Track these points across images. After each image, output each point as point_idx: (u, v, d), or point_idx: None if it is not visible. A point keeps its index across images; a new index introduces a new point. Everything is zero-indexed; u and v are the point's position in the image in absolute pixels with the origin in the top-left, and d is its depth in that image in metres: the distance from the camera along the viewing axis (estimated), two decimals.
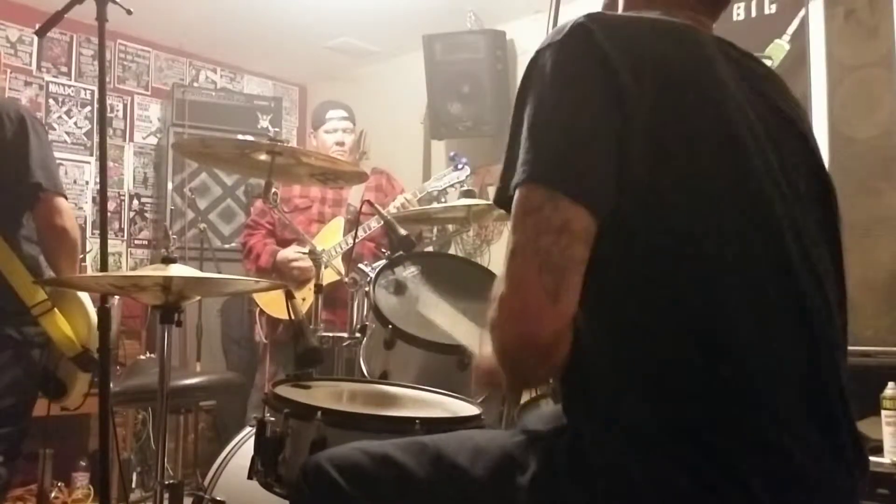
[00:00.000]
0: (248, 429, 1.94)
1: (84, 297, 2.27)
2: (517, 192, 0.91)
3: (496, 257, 3.95)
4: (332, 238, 3.18)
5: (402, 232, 2.09)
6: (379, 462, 1.04)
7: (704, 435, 0.86)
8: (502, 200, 0.97)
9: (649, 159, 0.89)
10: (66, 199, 2.29)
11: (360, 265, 2.16)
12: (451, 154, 3.30)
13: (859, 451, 0.98)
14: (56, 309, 2.18)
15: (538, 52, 0.96)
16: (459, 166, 3.15)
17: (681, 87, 0.93)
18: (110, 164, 4.04)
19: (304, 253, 3.02)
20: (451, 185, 3.16)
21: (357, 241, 2.78)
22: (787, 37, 3.06)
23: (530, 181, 0.90)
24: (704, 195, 0.91)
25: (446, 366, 1.78)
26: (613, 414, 0.91)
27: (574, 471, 0.93)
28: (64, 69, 4.31)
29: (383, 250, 2.29)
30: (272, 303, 3.25)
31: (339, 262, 2.94)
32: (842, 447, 0.94)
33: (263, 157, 2.00)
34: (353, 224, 3.17)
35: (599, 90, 0.90)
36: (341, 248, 3.09)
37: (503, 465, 1.00)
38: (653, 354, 0.89)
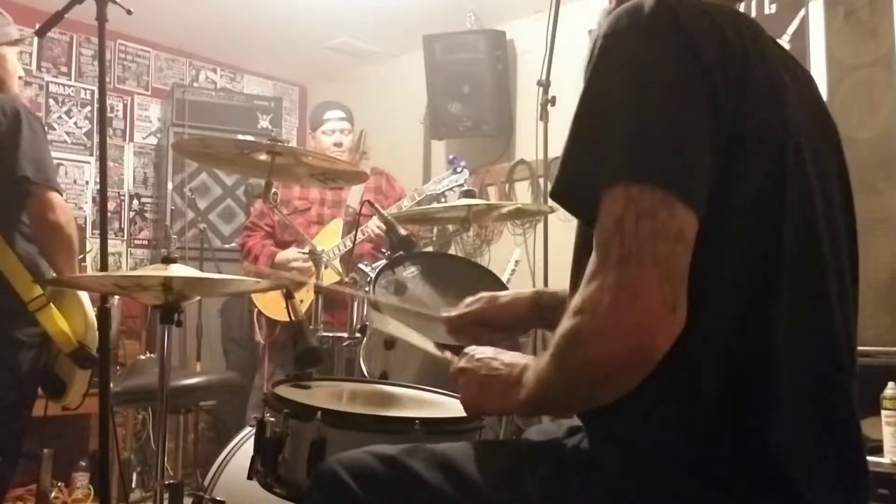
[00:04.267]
0: (248, 429, 1.93)
1: (83, 293, 2.26)
2: (618, 190, 0.83)
3: (496, 257, 3.95)
4: (330, 240, 3.18)
5: (403, 232, 2.09)
6: (391, 467, 1.02)
7: (726, 449, 0.86)
8: (564, 193, 0.91)
9: (725, 157, 0.85)
10: (61, 194, 2.25)
11: (361, 265, 2.16)
12: (451, 157, 3.30)
13: (865, 467, 0.98)
14: (52, 305, 2.18)
15: (614, 33, 0.88)
16: (458, 169, 3.16)
17: (754, 81, 0.89)
18: (110, 164, 4.05)
19: (303, 253, 3.03)
20: (450, 188, 3.16)
21: (356, 242, 2.78)
22: (787, 37, 3.05)
23: (642, 180, 0.82)
24: (766, 204, 0.88)
25: (446, 366, 1.77)
26: (637, 422, 0.89)
27: (587, 475, 0.93)
28: (64, 69, 4.31)
29: (383, 250, 2.29)
30: (270, 304, 3.25)
31: (337, 264, 2.94)
32: (856, 466, 0.95)
33: (263, 157, 2.00)
34: (351, 225, 3.18)
35: (692, 80, 0.85)
36: (340, 250, 3.09)
37: (512, 472, 0.99)
38: (691, 366, 0.86)
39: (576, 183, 0.90)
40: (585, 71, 0.91)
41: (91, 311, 2.23)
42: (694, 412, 0.86)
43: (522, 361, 0.98)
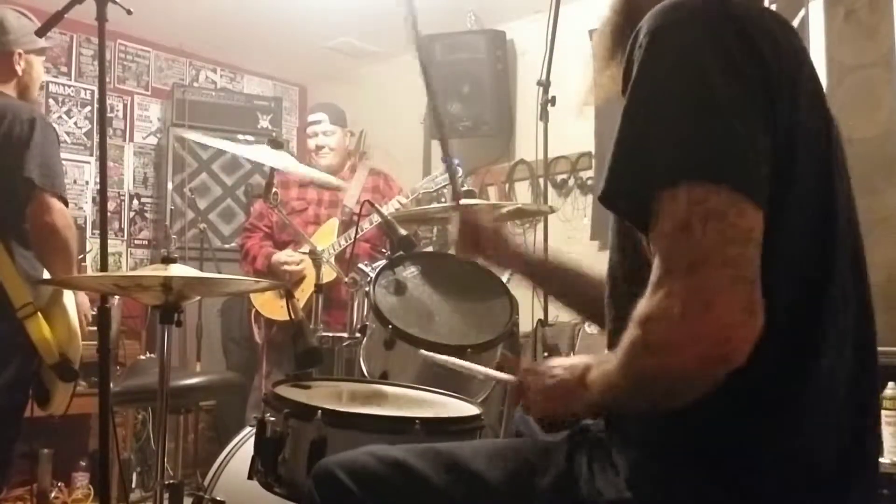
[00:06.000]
0: (248, 429, 1.93)
1: (69, 303, 2.25)
2: (680, 191, 0.78)
3: None
4: (326, 239, 3.19)
5: (402, 232, 2.09)
6: (392, 467, 1.01)
7: (747, 449, 0.84)
8: (614, 195, 0.87)
9: (780, 154, 0.83)
10: (66, 201, 2.25)
11: (361, 265, 2.16)
12: (442, 156, 3.29)
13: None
14: (39, 314, 2.17)
15: (667, 26, 0.84)
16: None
17: (803, 80, 0.87)
18: (110, 164, 4.03)
19: (303, 252, 3.03)
20: (444, 187, 3.16)
21: (353, 241, 2.79)
22: None
23: (707, 180, 0.78)
24: (818, 203, 0.86)
25: (446, 366, 1.77)
26: (657, 424, 0.88)
27: (600, 472, 0.92)
28: (64, 69, 4.31)
29: (382, 250, 2.28)
30: (267, 304, 3.26)
31: (333, 262, 2.94)
32: (872, 467, 0.94)
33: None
34: (347, 225, 3.18)
35: (749, 75, 0.81)
36: (335, 249, 3.10)
37: (521, 469, 0.99)
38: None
39: (627, 184, 0.85)
40: (631, 66, 0.87)
41: (76, 322, 2.23)
42: (721, 415, 0.84)
43: (582, 362, 0.95)
